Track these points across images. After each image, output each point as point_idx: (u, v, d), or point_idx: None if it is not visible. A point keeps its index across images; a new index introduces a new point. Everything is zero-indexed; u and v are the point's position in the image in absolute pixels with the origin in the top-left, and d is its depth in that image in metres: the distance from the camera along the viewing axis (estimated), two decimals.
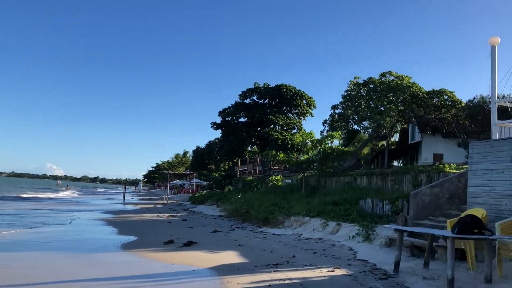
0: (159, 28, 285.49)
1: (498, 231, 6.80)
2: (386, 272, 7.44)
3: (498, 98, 11.23)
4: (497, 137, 10.36)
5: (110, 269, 7.76)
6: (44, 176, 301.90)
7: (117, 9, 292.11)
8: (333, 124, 31.62)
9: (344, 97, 31.45)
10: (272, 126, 42.96)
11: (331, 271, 7.58)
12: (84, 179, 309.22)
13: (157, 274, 7.32)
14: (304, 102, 46.04)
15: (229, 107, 45.51)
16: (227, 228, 15.72)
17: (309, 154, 23.75)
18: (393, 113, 26.58)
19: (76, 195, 56.95)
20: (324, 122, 33.28)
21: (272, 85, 45.52)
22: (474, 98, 31.18)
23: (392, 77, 29.82)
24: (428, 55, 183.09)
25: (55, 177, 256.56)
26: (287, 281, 6.67)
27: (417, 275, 7.08)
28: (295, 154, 29.98)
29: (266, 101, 45.85)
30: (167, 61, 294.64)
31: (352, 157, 27.39)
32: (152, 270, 7.69)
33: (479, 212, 7.45)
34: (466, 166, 12.24)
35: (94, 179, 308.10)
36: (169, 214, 22.71)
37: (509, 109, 11.99)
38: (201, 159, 75.76)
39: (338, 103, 32.13)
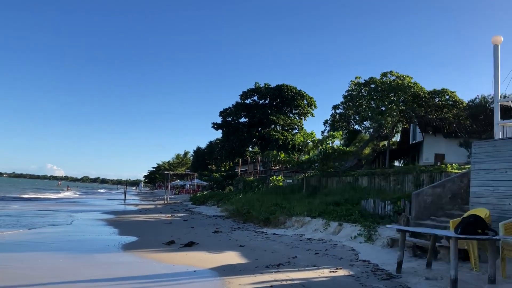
0: (159, 28, 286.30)
1: (501, 231, 6.77)
2: (389, 272, 7.39)
3: (500, 97, 11.16)
4: (500, 137, 10.30)
5: (110, 270, 7.74)
6: (44, 177, 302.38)
7: (117, 9, 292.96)
8: (334, 124, 31.48)
9: (345, 97, 31.34)
10: (273, 126, 42.87)
11: (333, 271, 7.53)
12: (84, 179, 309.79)
13: (158, 275, 7.28)
14: (305, 102, 45.89)
15: (229, 107, 45.42)
16: (228, 228, 15.69)
17: (310, 154, 23.69)
18: (394, 113, 26.47)
19: (77, 195, 57.04)
20: (325, 122, 33.15)
21: (272, 85, 45.41)
22: (476, 98, 31.03)
23: (393, 77, 29.69)
24: (428, 59, 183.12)
25: (56, 178, 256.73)
26: (288, 282, 6.63)
27: (420, 275, 7.04)
28: (296, 154, 29.95)
29: (266, 101, 45.73)
30: (167, 61, 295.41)
31: (353, 157, 27.29)
32: (153, 270, 7.65)
33: (482, 212, 7.40)
34: (468, 166, 12.20)
35: (95, 180, 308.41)
36: (170, 215, 22.69)
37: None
38: (202, 159, 75.64)
39: (339, 103, 32.00)
